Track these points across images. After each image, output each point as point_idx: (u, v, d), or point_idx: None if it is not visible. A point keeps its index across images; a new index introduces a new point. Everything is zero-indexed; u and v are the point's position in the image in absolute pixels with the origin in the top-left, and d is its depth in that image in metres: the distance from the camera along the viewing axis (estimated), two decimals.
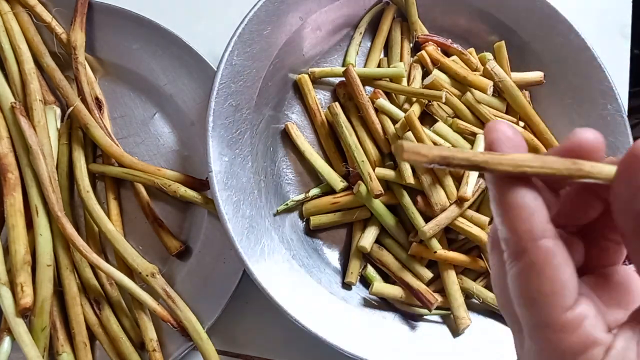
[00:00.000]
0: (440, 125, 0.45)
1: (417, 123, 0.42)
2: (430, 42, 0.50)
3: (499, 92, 0.49)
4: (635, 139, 0.50)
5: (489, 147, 0.21)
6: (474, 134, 0.45)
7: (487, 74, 0.48)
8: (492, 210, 0.21)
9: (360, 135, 0.46)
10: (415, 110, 0.45)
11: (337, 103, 0.46)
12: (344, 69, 0.47)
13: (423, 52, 0.48)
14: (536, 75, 0.51)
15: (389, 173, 0.44)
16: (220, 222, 0.39)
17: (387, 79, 0.48)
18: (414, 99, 0.46)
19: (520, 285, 0.20)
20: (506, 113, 0.49)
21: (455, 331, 0.44)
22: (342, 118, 0.45)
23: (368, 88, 0.48)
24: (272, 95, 0.46)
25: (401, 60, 0.50)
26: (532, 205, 0.19)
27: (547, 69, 0.51)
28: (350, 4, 0.50)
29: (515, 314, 0.21)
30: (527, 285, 0.19)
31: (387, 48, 0.52)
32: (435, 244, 0.42)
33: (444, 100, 0.45)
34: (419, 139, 0.42)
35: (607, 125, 0.50)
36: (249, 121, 0.43)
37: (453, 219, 0.43)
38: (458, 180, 0.43)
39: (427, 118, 0.47)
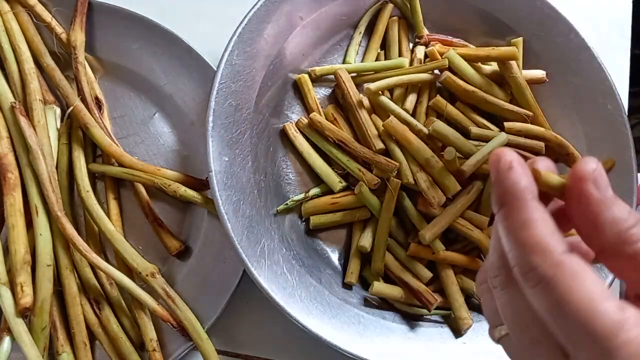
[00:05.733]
0: (439, 125, 0.45)
1: (401, 126, 0.43)
2: (435, 42, 0.50)
3: (504, 86, 0.49)
4: (635, 139, 0.50)
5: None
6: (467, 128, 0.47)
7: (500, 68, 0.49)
8: (501, 237, 0.22)
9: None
10: (411, 101, 0.47)
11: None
12: (341, 66, 0.47)
13: (433, 48, 0.49)
14: (539, 72, 0.51)
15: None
16: (220, 222, 0.39)
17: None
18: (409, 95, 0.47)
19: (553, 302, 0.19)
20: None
21: (457, 331, 0.44)
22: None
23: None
24: (272, 95, 0.46)
25: None
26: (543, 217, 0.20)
27: (547, 69, 0.51)
28: (350, 3, 0.50)
29: (550, 340, 0.20)
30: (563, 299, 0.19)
31: (386, 48, 0.52)
32: (438, 245, 0.43)
33: (447, 64, 0.46)
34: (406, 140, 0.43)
35: (607, 125, 0.50)
36: (249, 121, 0.43)
37: (451, 221, 0.43)
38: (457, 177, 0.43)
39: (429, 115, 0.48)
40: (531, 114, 0.48)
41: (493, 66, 0.50)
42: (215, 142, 0.40)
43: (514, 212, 0.21)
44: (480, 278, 0.26)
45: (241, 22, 0.43)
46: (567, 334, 0.20)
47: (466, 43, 0.51)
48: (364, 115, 0.46)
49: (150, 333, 0.42)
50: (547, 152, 0.48)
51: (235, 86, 0.42)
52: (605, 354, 0.18)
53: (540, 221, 0.20)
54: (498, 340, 0.24)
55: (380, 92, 0.46)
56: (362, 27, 0.51)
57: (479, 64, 0.49)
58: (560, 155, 0.49)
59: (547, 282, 0.19)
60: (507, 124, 0.47)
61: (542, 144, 0.47)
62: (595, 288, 0.19)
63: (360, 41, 0.51)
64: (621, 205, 0.21)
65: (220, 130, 0.41)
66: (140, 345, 0.43)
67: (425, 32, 0.51)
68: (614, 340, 0.18)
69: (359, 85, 0.48)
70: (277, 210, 0.44)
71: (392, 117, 0.44)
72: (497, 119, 0.49)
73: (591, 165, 0.21)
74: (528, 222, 0.20)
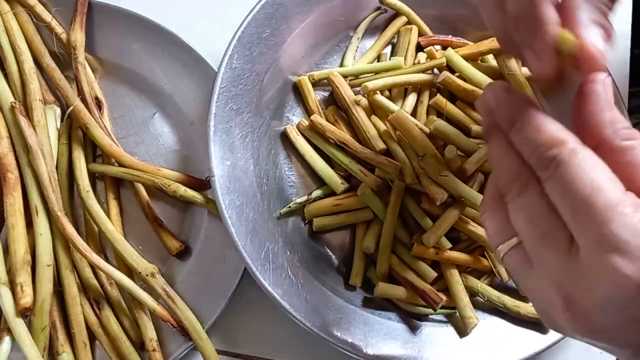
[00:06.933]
0: (440, 123, 0.45)
1: (407, 121, 0.43)
2: (435, 43, 0.50)
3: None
4: None
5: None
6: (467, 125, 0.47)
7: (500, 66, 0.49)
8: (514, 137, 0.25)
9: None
10: (411, 101, 0.46)
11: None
12: (336, 70, 0.47)
13: (431, 47, 0.48)
14: None
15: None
16: (224, 226, 0.39)
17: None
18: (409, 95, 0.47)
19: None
20: None
21: (462, 331, 0.44)
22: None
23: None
24: (272, 98, 0.46)
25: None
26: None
27: None
28: (349, 6, 0.50)
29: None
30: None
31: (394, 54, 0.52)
32: (445, 242, 0.43)
33: (445, 63, 0.46)
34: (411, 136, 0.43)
35: None
36: (250, 124, 0.43)
37: (453, 222, 0.43)
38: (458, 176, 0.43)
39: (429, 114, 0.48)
40: None
41: (492, 63, 0.50)
42: (217, 147, 0.40)
43: (527, 122, 0.24)
44: (482, 209, 0.28)
45: (240, 26, 0.43)
46: (573, 212, 0.22)
47: (466, 42, 0.51)
48: (361, 116, 0.46)
49: (150, 333, 0.42)
50: None
51: (236, 90, 0.42)
52: (600, 224, 0.20)
53: (550, 121, 0.24)
54: (503, 258, 0.26)
55: (379, 92, 0.46)
56: (359, 33, 0.50)
57: (478, 61, 0.49)
58: None
59: (564, 165, 0.22)
60: None
61: None
62: (602, 172, 0.21)
63: (358, 45, 0.50)
64: (616, 110, 0.24)
65: (222, 135, 0.41)
66: (140, 345, 0.43)
67: (429, 32, 0.51)
68: (608, 213, 0.20)
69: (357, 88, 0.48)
70: (280, 213, 0.44)
71: (398, 111, 0.44)
72: None
73: (602, 75, 0.24)
74: (541, 125, 0.24)
